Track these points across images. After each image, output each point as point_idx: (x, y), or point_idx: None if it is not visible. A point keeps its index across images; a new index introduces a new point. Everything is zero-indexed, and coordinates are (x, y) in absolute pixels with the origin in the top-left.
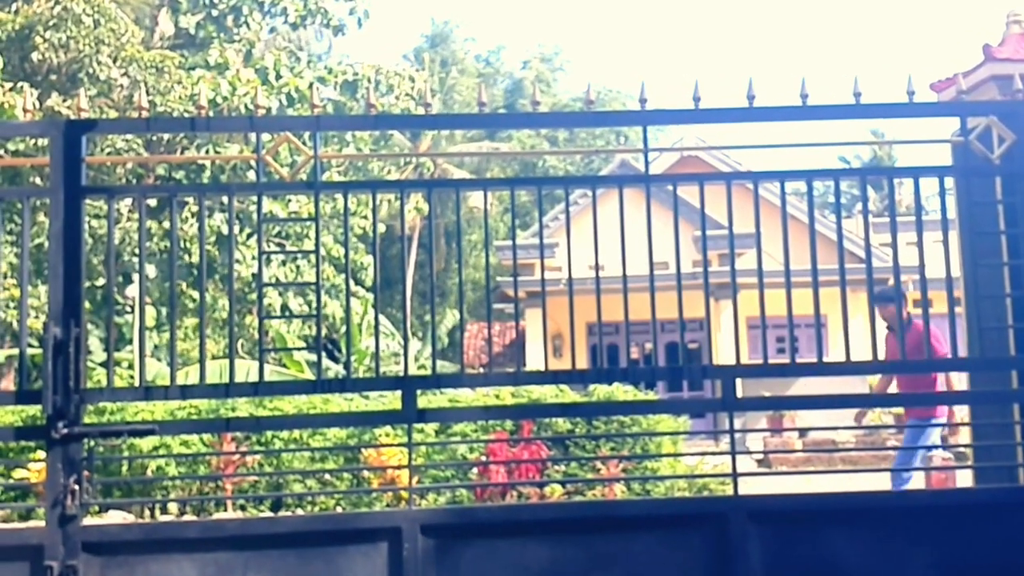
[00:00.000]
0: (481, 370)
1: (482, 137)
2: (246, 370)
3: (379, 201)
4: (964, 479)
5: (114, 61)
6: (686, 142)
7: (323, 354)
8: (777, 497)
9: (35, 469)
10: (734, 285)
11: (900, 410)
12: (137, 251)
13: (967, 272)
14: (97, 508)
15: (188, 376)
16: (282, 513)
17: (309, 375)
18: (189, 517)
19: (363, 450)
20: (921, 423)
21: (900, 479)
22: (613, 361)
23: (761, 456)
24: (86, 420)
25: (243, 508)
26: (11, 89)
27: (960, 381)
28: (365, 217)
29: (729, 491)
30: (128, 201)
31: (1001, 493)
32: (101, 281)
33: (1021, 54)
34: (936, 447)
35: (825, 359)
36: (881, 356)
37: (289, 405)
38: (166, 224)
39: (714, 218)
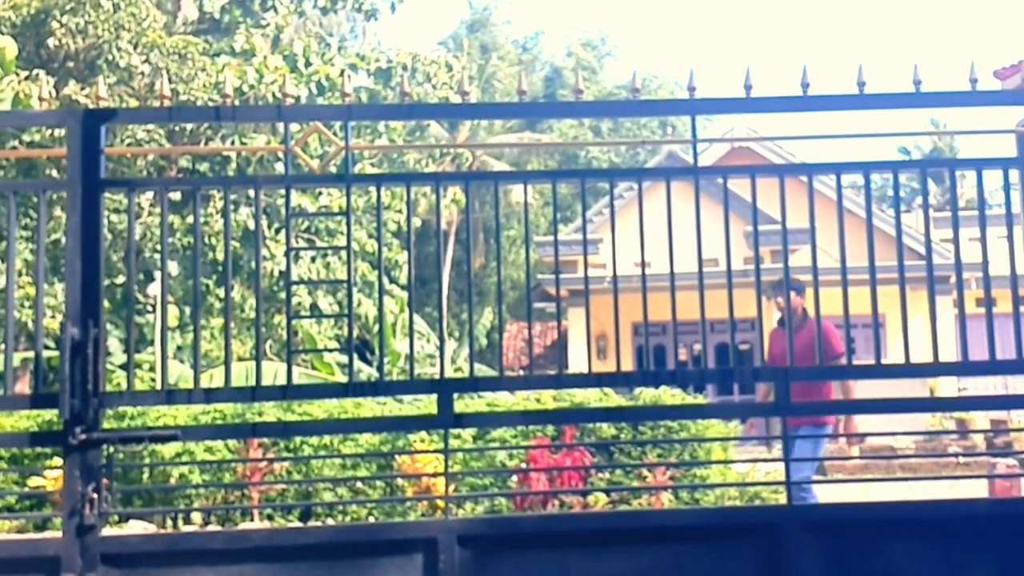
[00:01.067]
0: (521, 372)
1: (521, 128)
2: (274, 372)
3: (414, 195)
4: None
5: (135, 47)
6: (737, 133)
7: (355, 356)
8: (833, 506)
9: (52, 477)
10: (787, 283)
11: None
12: (159, 247)
13: None
14: (117, 518)
15: (213, 379)
16: (311, 523)
17: (340, 378)
18: (214, 527)
19: (397, 457)
20: (815, 432)
21: (807, 492)
22: (660, 363)
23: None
24: (105, 425)
25: (270, 518)
26: (26, 77)
27: (857, 388)
28: (399, 212)
29: (782, 500)
30: (149, 194)
31: None
32: (121, 279)
33: None
34: (828, 459)
35: (883, 361)
36: (767, 355)
37: (319, 409)
38: (189, 219)
39: (766, 213)
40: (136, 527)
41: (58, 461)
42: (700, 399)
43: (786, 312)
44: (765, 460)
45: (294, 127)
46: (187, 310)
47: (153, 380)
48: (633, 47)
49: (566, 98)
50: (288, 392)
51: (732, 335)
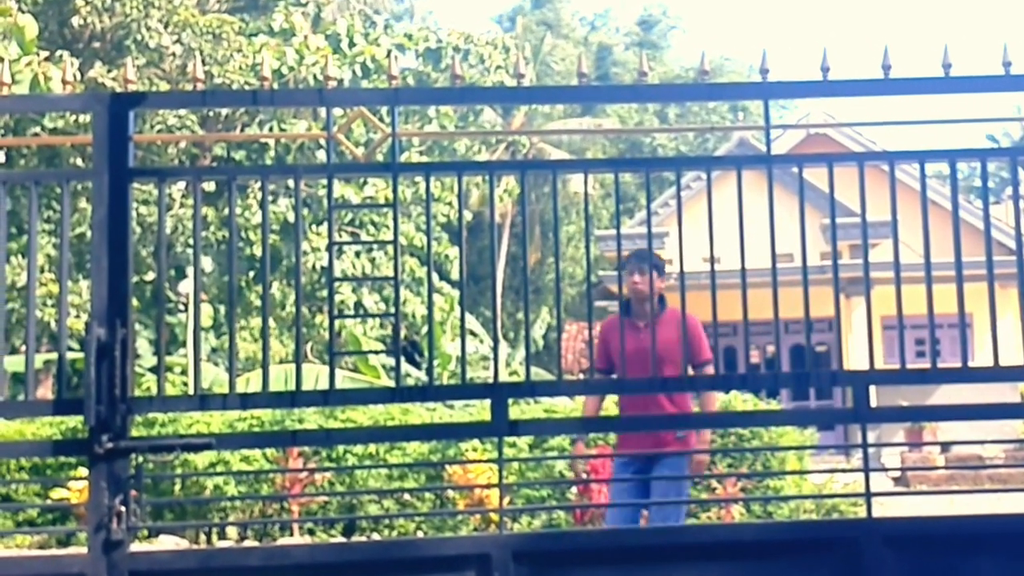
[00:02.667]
0: (581, 376)
1: (578, 113)
2: (315, 376)
3: (466, 185)
4: None
5: (165, 26)
6: (813, 118)
7: (402, 358)
8: (916, 520)
9: (76, 488)
10: (867, 280)
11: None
12: (191, 241)
13: None
14: (146, 532)
15: (249, 383)
16: (355, 538)
17: (386, 382)
18: (250, 543)
19: (447, 467)
20: (681, 459)
21: (678, 514)
22: (731, 366)
23: (898, 473)
24: (134, 433)
25: (311, 532)
26: (46, 58)
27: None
28: (450, 203)
29: (862, 513)
30: (181, 185)
31: None
32: (151, 275)
33: None
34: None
35: (970, 364)
36: (598, 354)
37: (363, 416)
38: (224, 211)
39: (845, 204)
40: (167, 542)
41: (83, 471)
42: (773, 405)
43: (634, 296)
44: (843, 471)
45: (337, 112)
46: (222, 309)
47: (185, 384)
48: (700, 26)
49: (622, 80)
50: (330, 397)
51: (808, 336)
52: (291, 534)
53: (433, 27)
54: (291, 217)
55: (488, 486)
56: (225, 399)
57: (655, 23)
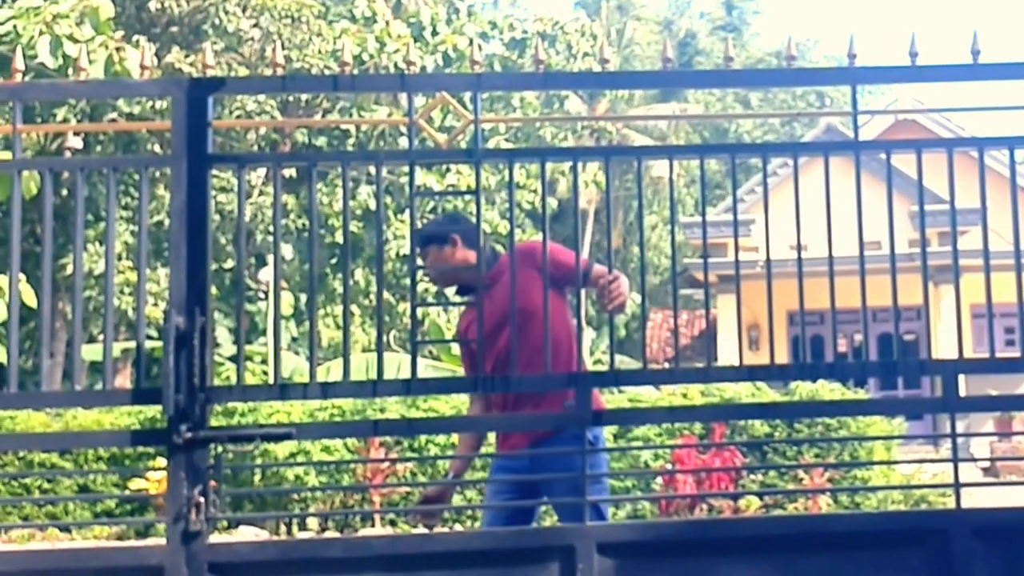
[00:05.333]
0: (666, 365)
1: (658, 99)
2: (397, 365)
3: (550, 173)
4: None
5: (243, 10)
6: (901, 104)
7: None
8: (1007, 511)
9: (154, 479)
10: (956, 268)
11: None
12: (271, 229)
13: None
14: (226, 524)
15: (330, 372)
16: (437, 529)
17: None
18: (331, 534)
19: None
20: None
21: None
22: (818, 355)
23: (987, 464)
24: (213, 423)
25: (393, 524)
26: (124, 41)
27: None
28: (534, 191)
29: (950, 504)
30: (261, 171)
31: None
32: (230, 263)
33: None
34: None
35: None
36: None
37: (445, 405)
38: (304, 198)
39: (933, 191)
40: (247, 533)
41: (161, 462)
42: (861, 394)
43: (451, 274)
44: (932, 461)
45: (419, 99)
46: (302, 297)
47: (265, 373)
48: (784, 8)
49: (703, 66)
50: (413, 387)
51: (896, 324)
52: (372, 525)
53: (518, 14)
54: (372, 204)
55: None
56: (306, 388)
57: (735, 7)
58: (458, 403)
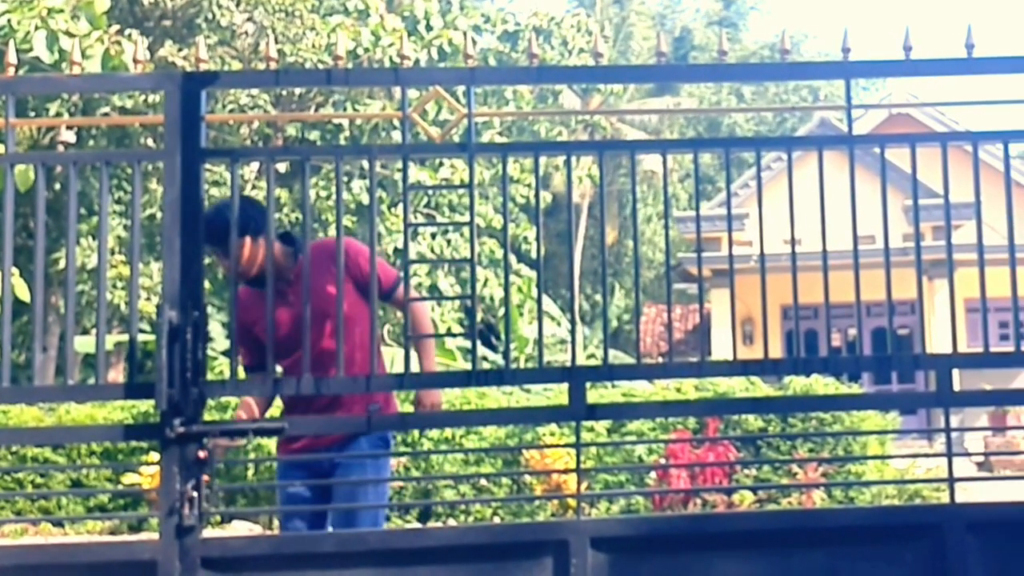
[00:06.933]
0: (660, 360)
1: (652, 94)
2: (390, 359)
3: (544, 167)
4: None
5: (237, 4)
6: (895, 98)
7: (479, 341)
8: (1001, 505)
9: (147, 473)
10: (950, 262)
11: None
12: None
13: None
14: (219, 518)
15: None
16: (431, 524)
17: (463, 365)
18: None
19: (524, 452)
20: (381, 445)
21: (376, 519)
22: (811, 350)
23: (981, 458)
24: (206, 417)
25: (387, 518)
26: (117, 34)
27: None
28: (527, 185)
29: (944, 498)
30: (254, 166)
31: None
32: None
33: None
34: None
35: None
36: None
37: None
38: (298, 192)
39: (928, 185)
40: (240, 528)
41: (155, 456)
42: (855, 388)
43: (251, 264)
44: (926, 455)
45: (412, 93)
46: None
47: None
48: (774, 7)
49: (698, 61)
50: (406, 381)
51: (890, 319)
52: None
53: (511, 7)
54: (365, 199)
55: (566, 471)
56: (299, 383)
57: (732, 2)
58: (451, 397)
